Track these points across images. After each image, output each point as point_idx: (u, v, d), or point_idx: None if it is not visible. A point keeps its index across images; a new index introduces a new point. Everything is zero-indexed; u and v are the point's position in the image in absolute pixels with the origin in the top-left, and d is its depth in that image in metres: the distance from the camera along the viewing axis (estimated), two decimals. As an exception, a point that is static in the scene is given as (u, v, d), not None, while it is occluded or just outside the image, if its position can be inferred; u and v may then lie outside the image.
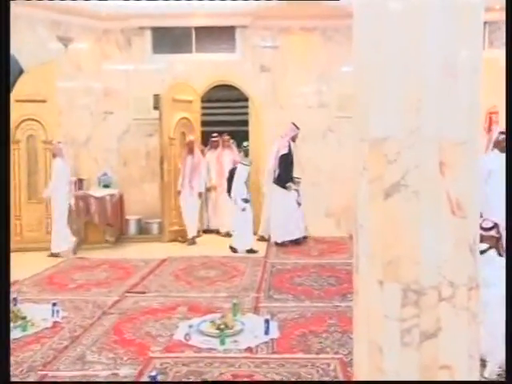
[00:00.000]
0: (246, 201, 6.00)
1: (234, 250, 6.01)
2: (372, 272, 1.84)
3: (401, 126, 1.74)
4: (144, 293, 4.45)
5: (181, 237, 6.84)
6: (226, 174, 6.56)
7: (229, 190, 6.32)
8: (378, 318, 1.80)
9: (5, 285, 1.78)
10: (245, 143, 6.62)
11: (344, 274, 4.99)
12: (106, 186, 6.89)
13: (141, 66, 7.35)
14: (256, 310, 3.97)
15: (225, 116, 9.19)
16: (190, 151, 6.53)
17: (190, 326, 3.44)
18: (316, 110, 7.26)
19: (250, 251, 5.94)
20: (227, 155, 7.26)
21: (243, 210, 5.96)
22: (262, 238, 6.55)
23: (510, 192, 1.70)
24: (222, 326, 3.39)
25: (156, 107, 6.94)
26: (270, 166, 6.53)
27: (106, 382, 2.84)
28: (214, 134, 7.55)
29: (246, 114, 7.76)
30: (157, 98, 6.91)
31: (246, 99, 7.65)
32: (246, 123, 7.72)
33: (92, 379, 2.86)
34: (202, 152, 7.35)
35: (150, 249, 6.31)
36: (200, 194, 6.57)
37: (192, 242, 6.50)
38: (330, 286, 4.59)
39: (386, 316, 1.77)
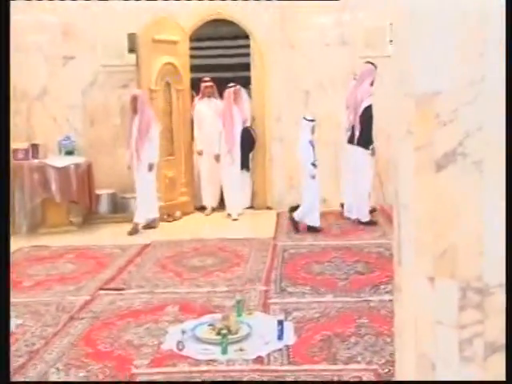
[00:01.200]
0: (314, 165, 5.92)
1: (296, 226, 6.01)
2: (420, 265, 1.81)
3: (458, 75, 1.69)
4: (122, 289, 4.44)
5: (167, 215, 6.83)
6: (236, 137, 6.62)
7: (243, 162, 6.54)
8: (428, 325, 1.78)
9: (5, 284, 1.96)
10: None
11: (375, 258, 4.98)
12: (69, 153, 6.84)
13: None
14: (265, 307, 3.97)
15: (220, 59, 9.05)
16: (135, 110, 6.24)
17: (183, 332, 3.44)
18: (336, 48, 7.13)
19: (313, 229, 5.94)
20: (233, 110, 6.87)
21: (313, 177, 5.90)
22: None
23: (509, 192, 1.67)
24: (224, 331, 3.39)
25: (131, 50, 6.83)
26: (345, 120, 6.40)
27: (106, 382, 3.01)
28: (206, 78, 7.33)
29: (247, 55, 7.63)
30: (132, 37, 6.79)
31: (247, 36, 7.52)
32: (247, 67, 7.60)
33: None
34: (193, 99, 7.25)
35: (128, 230, 6.26)
36: (150, 166, 6.26)
37: (135, 230, 6.21)
38: (357, 275, 4.58)
39: (440, 322, 1.76)
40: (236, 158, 6.80)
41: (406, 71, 1.86)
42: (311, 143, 5.93)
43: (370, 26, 6.91)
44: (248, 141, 7.00)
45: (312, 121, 5.98)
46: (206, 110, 7.13)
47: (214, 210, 7.16)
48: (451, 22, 1.69)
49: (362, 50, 7.01)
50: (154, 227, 6.41)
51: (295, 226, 6.02)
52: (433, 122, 1.74)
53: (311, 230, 5.97)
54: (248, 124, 7.04)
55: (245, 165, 6.99)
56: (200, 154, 7.09)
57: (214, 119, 7.01)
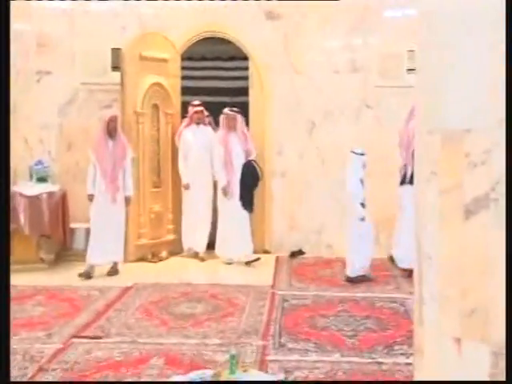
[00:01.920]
0: (363, 205, 5.95)
1: (349, 278, 6.02)
2: (445, 325, 1.83)
3: (493, 111, 1.73)
4: (100, 338, 4.44)
5: (152, 254, 6.86)
6: (235, 169, 6.66)
7: (244, 200, 6.50)
8: (453, 394, 1.79)
9: (5, 285, 2.09)
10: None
11: (388, 314, 5.00)
12: (42, 180, 6.90)
13: (92, 5, 7.26)
14: (263, 364, 3.98)
15: (214, 81, 9.19)
16: (112, 133, 6.23)
17: (180, 380, 3.44)
18: (346, 75, 7.28)
19: (364, 278, 5.96)
20: (230, 138, 6.83)
21: (362, 219, 5.92)
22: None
23: (509, 192, 1.70)
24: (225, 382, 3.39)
25: (116, 67, 6.95)
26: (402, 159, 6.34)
27: (106, 382, 3.26)
28: (196, 102, 7.24)
29: (245, 78, 7.77)
30: (116, 53, 6.91)
31: (245, 58, 7.66)
32: (244, 92, 7.74)
33: None
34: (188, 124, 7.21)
35: (106, 271, 6.30)
36: (128, 200, 6.32)
37: (87, 274, 6.13)
38: (368, 332, 4.60)
39: (467, 391, 1.77)
40: (235, 192, 6.74)
41: (431, 104, 1.90)
42: (361, 181, 5.96)
43: (385, 52, 7.06)
44: (251, 176, 6.81)
45: (362, 154, 6.01)
46: (194, 138, 7.03)
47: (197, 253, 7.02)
48: (484, 52, 1.72)
49: (375, 79, 7.17)
50: (114, 274, 6.26)
51: (349, 279, 6.01)
52: (462, 162, 1.77)
53: (362, 279, 5.98)
54: (253, 157, 6.90)
55: (246, 204, 6.79)
56: (186, 187, 7.00)
57: (202, 149, 6.97)
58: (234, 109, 6.94)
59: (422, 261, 1.97)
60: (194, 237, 6.99)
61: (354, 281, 5.98)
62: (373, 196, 6.91)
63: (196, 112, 7.09)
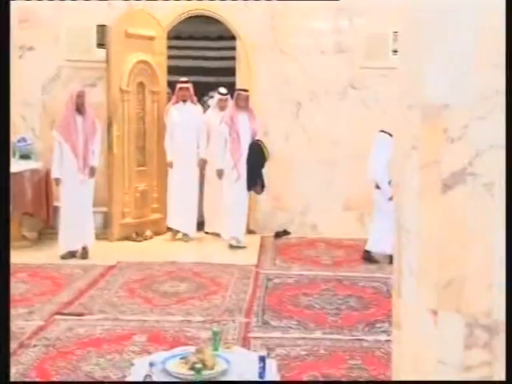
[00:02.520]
0: (389, 184, 5.85)
1: (369, 256, 6.04)
2: (422, 297, 1.86)
3: (470, 87, 1.75)
4: (82, 315, 4.47)
5: (137, 233, 6.86)
6: (243, 150, 6.51)
7: (251, 179, 6.42)
8: (430, 365, 1.82)
9: (5, 283, 2.09)
10: None
11: (370, 293, 5.07)
12: (25, 157, 6.86)
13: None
14: (245, 341, 4.03)
15: (201, 61, 9.15)
16: (80, 109, 6.01)
17: (152, 364, 3.44)
18: (333, 56, 7.28)
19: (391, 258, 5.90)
20: (240, 117, 6.62)
21: (390, 198, 5.90)
22: None
23: (509, 193, 1.74)
24: (198, 365, 3.40)
25: (101, 44, 6.91)
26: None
27: (106, 382, 3.30)
28: (183, 79, 7.10)
29: (232, 58, 7.74)
30: (102, 30, 6.87)
31: (233, 37, 7.63)
32: (231, 72, 7.71)
33: None
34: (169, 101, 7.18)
35: (92, 250, 6.26)
36: (93, 171, 6.13)
37: (70, 255, 6.06)
38: (350, 310, 4.67)
39: (443, 362, 1.79)
40: (242, 175, 6.56)
41: (412, 81, 1.91)
42: (387, 161, 5.82)
43: (371, 34, 7.07)
44: (258, 157, 6.64)
45: (391, 135, 5.98)
46: (180, 115, 6.90)
47: (185, 234, 6.96)
48: (463, 30, 1.73)
49: (361, 60, 7.17)
50: (86, 257, 6.10)
51: (369, 257, 6.04)
52: (441, 137, 1.79)
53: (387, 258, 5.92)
54: (258, 137, 6.75)
55: (251, 185, 6.64)
56: (170, 166, 6.92)
57: (188, 126, 6.88)
58: (245, 89, 6.83)
59: (401, 234, 2.00)
60: (181, 218, 6.89)
61: (371, 259, 6.04)
62: (358, 177, 6.97)
63: (181, 89, 6.93)
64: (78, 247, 6.13)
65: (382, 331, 4.16)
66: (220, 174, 6.64)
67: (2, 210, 2.20)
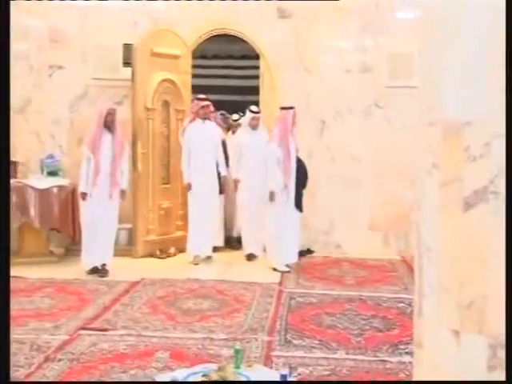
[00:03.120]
0: None
1: None
2: (444, 317, 1.86)
3: (492, 105, 1.75)
4: (106, 330, 4.51)
5: (160, 250, 6.92)
6: (293, 170, 6.34)
7: (299, 199, 6.31)
8: (452, 386, 1.81)
9: (5, 284, 2.10)
10: None
11: (395, 313, 5.02)
12: (53, 174, 6.96)
13: (105, 1, 7.36)
14: (267, 360, 4.02)
15: (225, 80, 9.25)
16: (109, 126, 6.00)
17: (174, 381, 3.49)
18: (357, 75, 7.33)
19: None
20: (290, 136, 6.36)
21: None
22: None
23: (509, 193, 1.72)
24: (220, 382, 3.43)
25: (127, 63, 7.02)
26: None
27: (106, 382, 3.38)
28: (202, 96, 6.86)
29: (256, 77, 7.82)
30: (128, 49, 6.99)
31: (257, 56, 7.72)
32: (255, 90, 7.78)
33: None
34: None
35: (116, 266, 6.33)
36: (124, 194, 6.16)
37: (94, 270, 6.05)
38: (374, 331, 4.63)
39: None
40: (291, 195, 6.40)
41: (433, 98, 1.92)
42: None
43: (396, 53, 7.09)
44: (302, 175, 6.52)
45: None
46: (200, 134, 6.67)
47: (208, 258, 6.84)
48: (486, 46, 1.75)
49: (385, 79, 7.21)
50: (105, 275, 6.06)
51: None
52: (462, 155, 1.79)
53: None
54: (298, 155, 6.59)
55: (299, 204, 6.47)
56: (188, 188, 6.69)
57: (209, 145, 6.71)
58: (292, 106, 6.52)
59: (422, 253, 2.00)
60: (200, 241, 6.67)
61: None
62: (383, 196, 6.96)
63: (203, 107, 6.74)
64: (98, 264, 6.10)
65: (406, 352, 4.11)
66: (272, 196, 6.32)
67: (2, 222, 2.21)
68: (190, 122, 6.83)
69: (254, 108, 7.07)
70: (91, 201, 5.97)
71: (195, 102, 6.91)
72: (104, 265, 6.12)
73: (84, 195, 5.99)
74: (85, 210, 6.07)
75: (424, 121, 1.98)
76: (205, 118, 6.80)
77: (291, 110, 6.43)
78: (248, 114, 7.02)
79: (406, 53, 6.93)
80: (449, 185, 1.85)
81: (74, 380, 3.67)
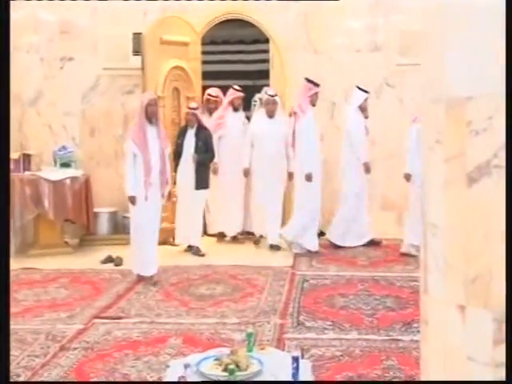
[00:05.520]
0: None
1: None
2: (449, 292, 1.84)
3: (494, 79, 1.72)
4: (120, 318, 4.54)
5: (173, 238, 6.92)
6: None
7: None
8: (458, 361, 1.80)
9: (5, 283, 2.12)
10: None
11: (407, 292, 5.00)
12: (66, 166, 6.97)
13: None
14: (280, 342, 4.02)
15: (235, 65, 9.21)
16: (151, 119, 5.35)
17: (187, 366, 3.47)
18: (367, 54, 7.25)
19: None
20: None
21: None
22: None
23: (509, 193, 1.71)
24: (232, 366, 3.42)
25: (137, 52, 7.00)
26: None
27: (106, 382, 3.40)
28: (236, 87, 7.09)
29: (266, 61, 7.76)
30: (138, 38, 6.96)
31: (266, 40, 7.65)
32: (265, 75, 7.73)
33: None
34: (209, 111, 7.09)
35: (130, 254, 6.36)
36: (170, 195, 5.76)
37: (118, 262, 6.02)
38: (386, 311, 4.61)
39: (471, 358, 1.77)
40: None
41: (436, 75, 1.90)
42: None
43: (406, 31, 6.98)
44: None
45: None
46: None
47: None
48: (488, 19, 1.71)
49: (396, 57, 7.12)
50: (118, 265, 6.04)
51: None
52: (465, 130, 1.77)
53: None
54: None
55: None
56: (246, 174, 6.79)
57: (243, 134, 6.86)
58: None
59: (427, 229, 1.97)
60: (228, 219, 6.94)
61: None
62: (396, 176, 6.87)
63: (238, 97, 7.00)
64: (148, 273, 5.46)
65: (419, 331, 4.07)
66: (310, 176, 6.30)
67: (2, 215, 2.22)
68: (225, 110, 7.01)
69: (270, 91, 6.77)
70: (145, 204, 5.26)
71: (231, 91, 7.07)
72: (154, 275, 5.48)
73: (133, 199, 5.26)
74: (137, 214, 5.34)
75: (427, 97, 1.97)
76: (237, 108, 7.00)
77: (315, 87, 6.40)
78: (264, 97, 6.72)
79: (417, 30, 6.80)
80: (452, 160, 1.82)
81: (89, 368, 3.69)
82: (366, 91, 6.58)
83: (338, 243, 6.63)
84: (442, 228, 1.88)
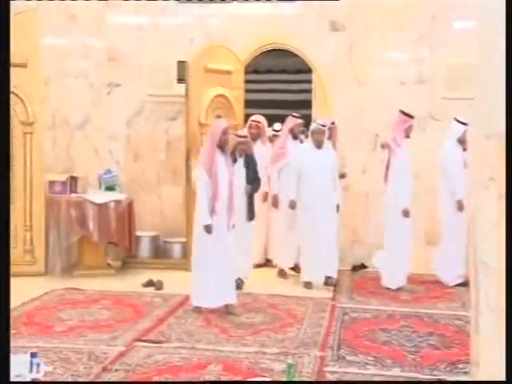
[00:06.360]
0: None
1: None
2: (502, 334, 1.81)
3: None
4: (161, 342, 4.59)
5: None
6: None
7: None
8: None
9: (5, 283, 2.13)
10: None
11: (452, 331, 4.91)
12: (110, 189, 7.13)
13: (160, 20, 7.58)
14: (320, 375, 3.99)
15: (278, 94, 9.30)
16: (223, 147, 5.31)
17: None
18: (412, 87, 7.27)
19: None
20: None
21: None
22: None
23: (510, 193, 1.70)
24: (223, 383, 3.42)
25: (181, 79, 7.16)
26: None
27: (106, 382, 3.47)
28: (296, 114, 6.97)
29: (309, 91, 7.83)
30: (182, 66, 7.11)
31: (309, 70, 7.73)
32: (307, 105, 7.79)
33: None
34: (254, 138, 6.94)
35: (171, 279, 6.44)
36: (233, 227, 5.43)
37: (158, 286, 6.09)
38: (430, 349, 4.53)
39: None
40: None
41: (489, 111, 1.91)
42: None
43: (453, 64, 6.99)
44: None
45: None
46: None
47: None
48: None
49: (442, 91, 7.11)
50: (159, 289, 6.12)
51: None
52: None
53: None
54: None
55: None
56: (293, 207, 6.47)
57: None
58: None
59: (478, 268, 1.97)
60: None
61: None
62: (435, 211, 6.81)
63: (297, 125, 6.89)
64: (216, 305, 5.33)
65: (465, 372, 4.01)
66: (407, 212, 6.21)
67: (2, 226, 2.26)
68: (285, 138, 6.91)
69: (320, 120, 6.46)
70: (215, 234, 5.19)
71: (290, 118, 6.97)
72: (231, 305, 5.31)
73: (208, 228, 5.16)
74: (200, 244, 5.29)
75: (480, 133, 1.96)
76: (296, 136, 6.89)
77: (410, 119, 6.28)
78: (314, 127, 6.38)
79: (464, 63, 6.76)
80: (506, 198, 1.81)
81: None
82: (464, 123, 6.37)
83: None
84: (494, 267, 1.86)
